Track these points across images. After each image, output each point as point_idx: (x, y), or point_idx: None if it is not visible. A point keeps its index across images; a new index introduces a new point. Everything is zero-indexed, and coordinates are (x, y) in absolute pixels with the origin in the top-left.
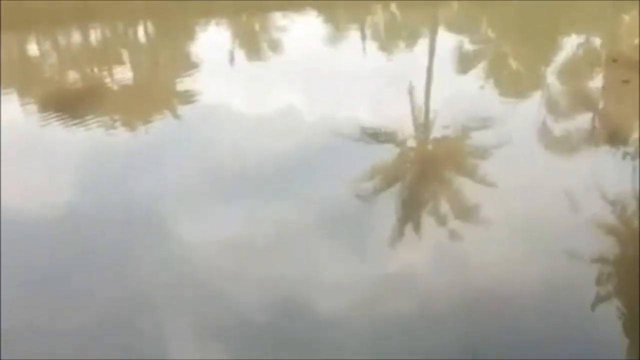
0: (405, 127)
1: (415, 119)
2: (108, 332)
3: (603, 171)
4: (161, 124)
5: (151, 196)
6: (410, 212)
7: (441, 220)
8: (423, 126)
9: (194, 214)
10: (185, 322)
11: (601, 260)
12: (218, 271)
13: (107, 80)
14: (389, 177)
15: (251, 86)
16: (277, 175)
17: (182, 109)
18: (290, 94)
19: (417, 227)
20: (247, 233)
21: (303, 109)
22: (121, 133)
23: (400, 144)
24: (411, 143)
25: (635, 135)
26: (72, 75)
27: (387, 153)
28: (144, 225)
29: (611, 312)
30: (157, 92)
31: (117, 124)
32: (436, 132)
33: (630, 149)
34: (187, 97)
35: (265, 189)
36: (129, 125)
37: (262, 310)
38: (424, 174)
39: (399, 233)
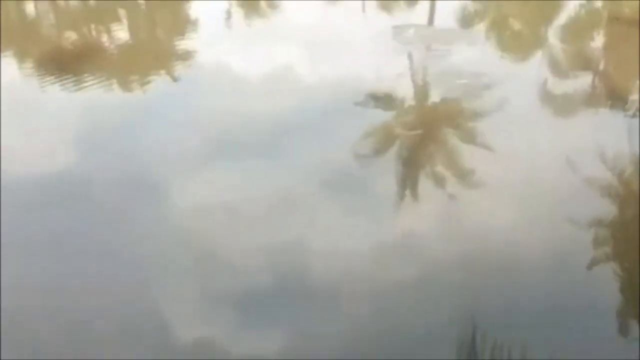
0: (405, 88)
1: (414, 80)
2: (104, 293)
3: (603, 132)
4: (159, 85)
5: (149, 157)
6: (409, 174)
7: (439, 183)
8: (423, 87)
9: (192, 175)
10: (182, 284)
11: (599, 222)
12: (216, 234)
13: (105, 40)
14: (387, 138)
15: (249, 46)
16: (275, 137)
17: (180, 69)
18: (289, 54)
19: (415, 190)
20: (244, 195)
21: (302, 69)
22: (118, 93)
23: (400, 105)
24: (410, 104)
25: (635, 96)
26: (70, 36)
27: (386, 114)
28: (141, 186)
29: (608, 274)
30: (155, 52)
31: (114, 84)
32: (435, 93)
33: (631, 109)
34: (185, 57)
35: (263, 150)
36: (126, 85)
37: (261, 273)
38: (423, 135)
39: (398, 196)
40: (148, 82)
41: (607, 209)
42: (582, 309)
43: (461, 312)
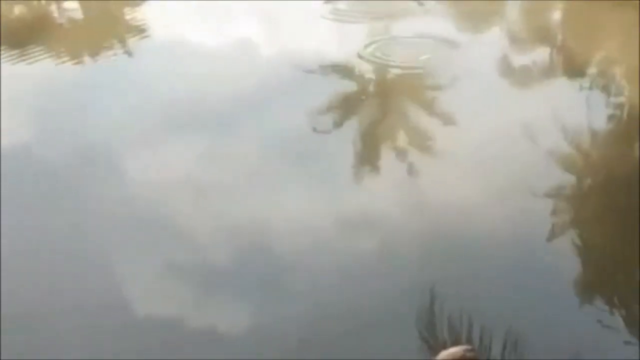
0: (364, 59)
1: (375, 51)
2: (60, 271)
3: (562, 104)
4: (112, 58)
5: (104, 132)
6: (369, 147)
7: (400, 156)
8: (383, 57)
9: (149, 150)
10: (141, 261)
11: (558, 192)
12: (175, 208)
13: (54, 12)
14: (347, 110)
15: (204, 19)
16: (234, 110)
17: (134, 43)
18: (245, 27)
19: (376, 163)
20: (203, 169)
21: (259, 42)
22: (70, 67)
23: (359, 76)
24: (370, 75)
25: (593, 69)
26: (18, 8)
27: (345, 87)
28: (95, 162)
29: (567, 244)
30: (107, 24)
31: (65, 58)
32: (394, 64)
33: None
34: (139, 30)
35: (221, 124)
36: (78, 59)
37: (222, 248)
38: (382, 107)
39: (358, 169)
40: (100, 56)
41: (567, 180)
42: (541, 278)
43: (421, 283)
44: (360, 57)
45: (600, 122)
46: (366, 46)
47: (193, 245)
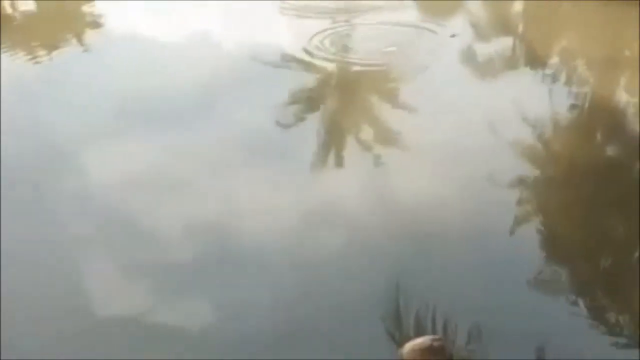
0: (326, 52)
1: (336, 43)
2: (19, 269)
3: (524, 94)
4: (68, 53)
5: (61, 128)
6: (333, 140)
7: (364, 148)
8: (345, 50)
9: (108, 146)
10: (103, 258)
11: (522, 182)
12: (136, 205)
13: (7, 7)
14: (310, 103)
15: (161, 12)
16: (193, 104)
17: (90, 37)
18: (202, 20)
19: (340, 156)
20: (164, 164)
21: (218, 35)
22: (25, 63)
23: (321, 69)
24: (332, 68)
25: (555, 59)
26: None
27: (306, 79)
28: (53, 158)
29: (531, 233)
30: (63, 19)
31: (20, 53)
32: (357, 57)
33: (550, 71)
34: (95, 24)
35: (181, 118)
36: (33, 54)
37: (185, 244)
38: (346, 100)
39: (322, 162)
40: (56, 51)
41: (530, 171)
42: (505, 269)
43: (386, 277)
44: (308, 51)
45: (562, 113)
46: (322, 39)
47: (155, 242)
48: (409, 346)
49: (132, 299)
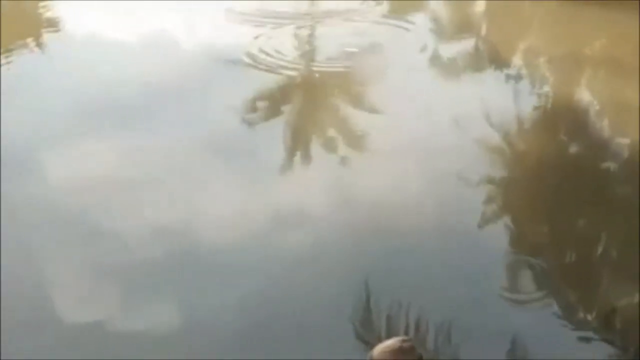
0: (291, 53)
1: (300, 43)
2: None
3: (488, 94)
4: (25, 55)
5: (21, 131)
6: (299, 141)
7: (330, 149)
8: (309, 51)
9: (70, 148)
10: (67, 262)
11: (489, 181)
12: (100, 208)
13: None
14: (275, 104)
15: (121, 13)
16: (156, 105)
17: (49, 39)
18: (162, 20)
19: (306, 157)
20: (128, 165)
21: (178, 35)
22: None
23: (285, 71)
24: (296, 70)
25: (518, 58)
26: None
27: (271, 80)
28: (13, 162)
29: (499, 230)
30: (20, 21)
31: None
32: (320, 58)
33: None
34: (53, 25)
35: (144, 119)
36: None
37: (150, 247)
38: (310, 100)
39: (288, 163)
40: (14, 53)
41: (496, 169)
42: (474, 267)
43: (355, 276)
44: (269, 53)
45: (527, 112)
46: (286, 40)
47: (119, 245)
48: (378, 349)
49: (97, 303)
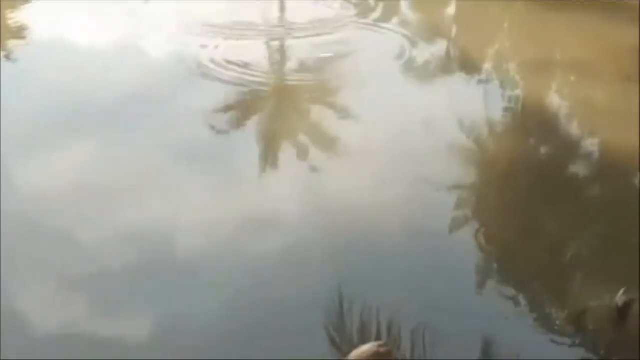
0: (261, 56)
1: (270, 47)
2: None
3: (459, 98)
4: None
5: None
6: (271, 147)
7: (302, 155)
8: (279, 55)
9: (37, 156)
10: (35, 272)
11: (460, 185)
12: (68, 217)
13: None
14: (246, 110)
15: (90, 18)
16: (124, 112)
17: (15, 45)
18: (129, 27)
19: (278, 163)
20: (97, 174)
21: (147, 41)
22: None
23: (257, 75)
24: (268, 75)
25: (488, 63)
26: None
27: (243, 85)
28: None
29: (469, 234)
30: None
31: None
32: (293, 62)
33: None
34: (18, 33)
35: (112, 127)
36: None
37: (122, 256)
38: (282, 106)
39: (261, 169)
40: None
41: (467, 173)
42: (446, 271)
43: (328, 282)
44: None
45: (497, 115)
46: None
47: (90, 253)
48: (354, 354)
49: (69, 313)
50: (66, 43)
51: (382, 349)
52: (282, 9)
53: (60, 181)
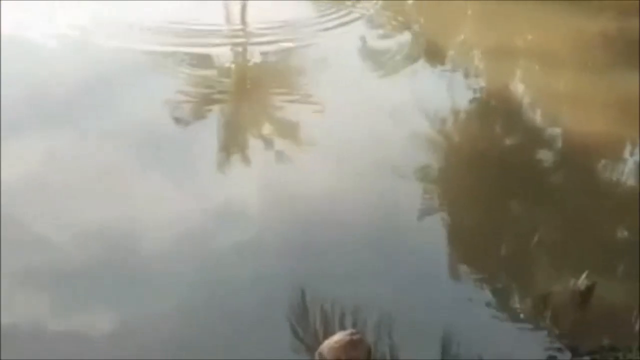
0: (223, 49)
1: (232, 34)
2: None
3: (424, 87)
4: None
5: None
6: (233, 137)
7: (265, 144)
8: (242, 43)
9: None
10: None
11: (426, 174)
12: (26, 213)
13: None
14: (207, 99)
15: (37, 11)
16: (81, 104)
17: None
18: (80, 17)
19: (241, 153)
20: (54, 167)
21: (96, 31)
22: None
23: (218, 64)
24: (230, 63)
25: (452, 51)
26: None
27: (204, 74)
28: None
29: (437, 223)
30: None
31: None
32: (256, 50)
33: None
34: None
35: (70, 119)
36: None
37: (81, 251)
38: (244, 94)
39: (223, 160)
40: None
41: (432, 161)
42: (411, 260)
43: (291, 273)
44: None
45: (462, 104)
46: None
47: (50, 249)
48: (327, 345)
49: (29, 309)
50: (16, 36)
51: (355, 337)
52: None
53: (16, 176)
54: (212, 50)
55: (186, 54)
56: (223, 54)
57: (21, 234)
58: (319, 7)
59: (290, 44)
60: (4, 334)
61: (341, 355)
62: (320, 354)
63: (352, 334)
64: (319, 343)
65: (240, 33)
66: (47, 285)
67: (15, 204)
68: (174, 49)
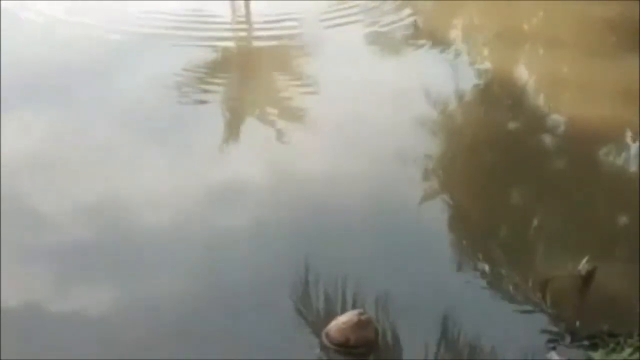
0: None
1: (234, 14)
2: None
3: (427, 70)
4: None
5: None
6: (236, 118)
7: (268, 126)
8: (244, 23)
9: None
10: None
11: (428, 157)
12: (27, 189)
13: None
14: (208, 79)
15: None
16: (77, 82)
17: None
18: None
19: (244, 134)
20: (55, 145)
21: (91, 7)
22: None
23: (219, 44)
24: (231, 43)
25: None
26: None
27: (204, 54)
28: None
29: (438, 206)
30: None
31: None
32: (257, 32)
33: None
34: None
35: (72, 96)
36: None
37: (83, 229)
38: (246, 75)
39: (226, 140)
40: None
41: (435, 145)
42: (412, 242)
43: (294, 254)
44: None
45: (465, 88)
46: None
47: (51, 227)
48: (334, 325)
49: (29, 287)
50: (10, 14)
51: (363, 317)
52: None
53: (17, 153)
54: (215, 34)
55: (189, 37)
56: (226, 37)
57: (19, 211)
58: None
59: (293, 24)
60: (5, 315)
61: (350, 335)
62: (327, 334)
63: (360, 314)
64: (323, 323)
65: (244, 26)
66: (41, 262)
67: (15, 182)
68: (175, 32)
